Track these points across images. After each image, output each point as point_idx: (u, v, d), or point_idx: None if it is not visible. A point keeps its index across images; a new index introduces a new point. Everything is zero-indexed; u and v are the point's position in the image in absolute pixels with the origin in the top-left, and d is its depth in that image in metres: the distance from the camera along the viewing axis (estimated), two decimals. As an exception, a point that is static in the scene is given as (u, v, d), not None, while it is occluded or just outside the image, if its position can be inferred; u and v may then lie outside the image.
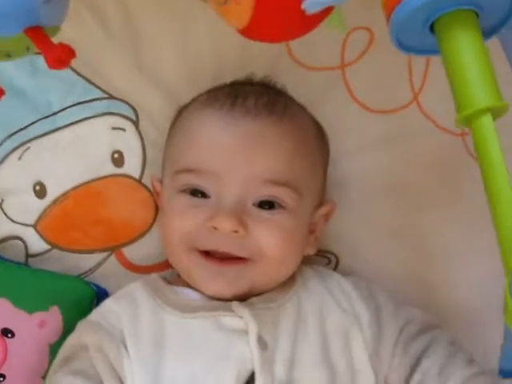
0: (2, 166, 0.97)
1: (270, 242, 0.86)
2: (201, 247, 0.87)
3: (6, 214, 0.98)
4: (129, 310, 0.88)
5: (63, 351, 0.87)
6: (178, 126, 0.96)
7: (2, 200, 0.98)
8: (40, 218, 0.98)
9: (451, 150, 1.01)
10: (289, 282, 0.92)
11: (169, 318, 0.86)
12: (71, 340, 0.88)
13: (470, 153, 0.99)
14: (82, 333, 0.87)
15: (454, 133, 1.00)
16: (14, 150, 0.97)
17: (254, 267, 0.87)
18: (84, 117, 0.98)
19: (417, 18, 0.67)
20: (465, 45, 0.66)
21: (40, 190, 0.98)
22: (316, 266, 0.98)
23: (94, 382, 0.83)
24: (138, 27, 0.98)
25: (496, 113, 0.65)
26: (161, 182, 0.96)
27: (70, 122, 0.97)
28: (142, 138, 1.00)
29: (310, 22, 0.71)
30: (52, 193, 0.98)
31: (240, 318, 0.85)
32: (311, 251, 0.95)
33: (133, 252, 1.01)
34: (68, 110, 0.97)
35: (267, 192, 0.87)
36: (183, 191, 0.89)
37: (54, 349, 0.90)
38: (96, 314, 0.90)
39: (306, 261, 0.96)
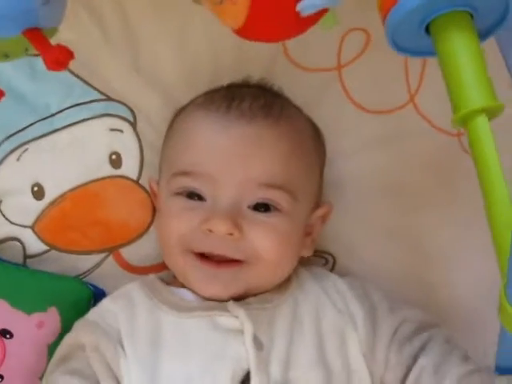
0: (0, 167, 0.97)
1: (266, 244, 0.87)
2: (196, 249, 0.87)
3: (3, 215, 0.98)
4: (126, 309, 0.88)
5: (60, 350, 0.88)
6: (175, 128, 0.96)
7: (0, 201, 0.98)
8: (38, 219, 0.98)
9: (447, 151, 1.01)
10: (285, 283, 0.92)
11: (165, 318, 0.87)
12: (68, 339, 0.88)
13: (466, 150, 0.98)
14: (79, 332, 0.88)
15: (450, 133, 1.00)
16: (12, 151, 0.97)
17: (250, 270, 0.87)
18: (82, 118, 0.98)
19: (412, 19, 0.67)
20: (460, 46, 0.66)
21: (38, 192, 0.98)
22: (313, 266, 0.98)
23: (91, 382, 0.83)
24: (135, 29, 0.98)
25: (491, 113, 0.65)
26: (158, 183, 0.96)
27: (68, 123, 0.97)
28: (139, 140, 1.00)
29: (306, 22, 0.71)
30: (50, 194, 0.98)
31: (235, 318, 0.85)
32: (307, 253, 0.95)
33: (130, 253, 1.01)
34: (66, 111, 0.97)
35: (262, 195, 0.87)
36: (180, 194, 0.89)
37: (52, 349, 0.90)
38: (93, 314, 0.90)
39: (303, 262, 0.96)
